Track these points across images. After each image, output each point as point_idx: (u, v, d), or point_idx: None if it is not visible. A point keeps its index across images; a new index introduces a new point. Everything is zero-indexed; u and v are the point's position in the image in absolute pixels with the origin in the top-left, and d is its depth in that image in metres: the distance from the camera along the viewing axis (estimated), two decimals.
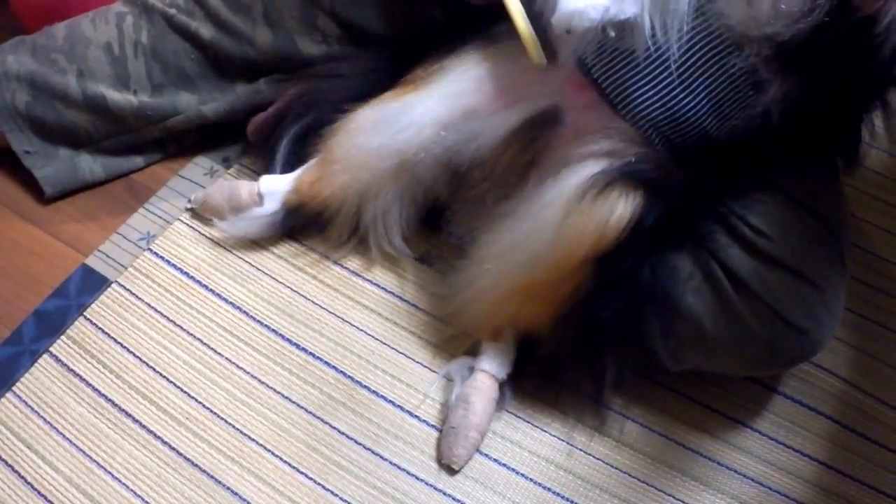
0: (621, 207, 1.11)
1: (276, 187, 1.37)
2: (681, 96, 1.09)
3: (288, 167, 1.40)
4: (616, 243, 1.11)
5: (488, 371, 1.27)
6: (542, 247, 1.15)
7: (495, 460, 1.27)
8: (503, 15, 1.15)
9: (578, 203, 1.12)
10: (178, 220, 1.45)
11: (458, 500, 1.24)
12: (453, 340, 1.36)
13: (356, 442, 1.27)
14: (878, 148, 1.57)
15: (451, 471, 1.26)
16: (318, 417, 1.29)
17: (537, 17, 1.14)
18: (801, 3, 1.00)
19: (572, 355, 1.24)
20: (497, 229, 1.22)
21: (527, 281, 1.18)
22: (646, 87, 1.09)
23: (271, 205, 1.37)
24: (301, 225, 1.42)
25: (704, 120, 1.10)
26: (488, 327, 1.29)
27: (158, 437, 1.26)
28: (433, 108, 1.25)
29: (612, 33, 1.05)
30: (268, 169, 1.42)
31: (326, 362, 1.33)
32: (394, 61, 1.32)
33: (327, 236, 1.41)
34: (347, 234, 1.39)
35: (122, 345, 1.33)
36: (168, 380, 1.30)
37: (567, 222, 1.12)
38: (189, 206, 1.46)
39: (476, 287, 1.25)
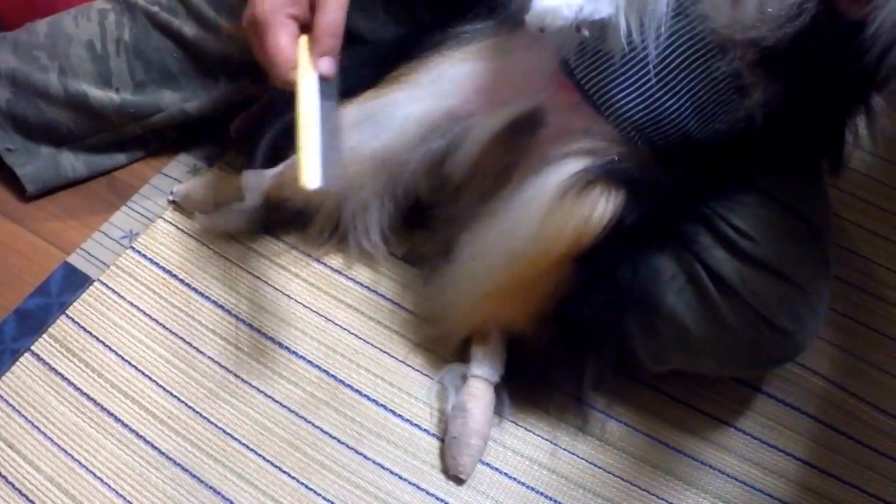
0: (602, 206, 1.10)
1: (257, 182, 1.36)
2: (663, 98, 1.08)
3: (268, 163, 1.39)
4: (596, 242, 1.11)
5: (481, 376, 1.26)
6: (522, 244, 1.14)
7: (479, 460, 1.26)
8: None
9: (560, 201, 1.11)
10: (161, 218, 1.44)
11: (442, 500, 1.23)
12: (438, 340, 1.35)
13: (339, 441, 1.27)
14: (861, 149, 1.57)
15: (459, 481, 1.25)
16: (302, 416, 1.28)
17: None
18: (787, 8, 1.00)
19: (552, 355, 1.23)
20: (478, 229, 1.22)
21: (506, 279, 1.17)
22: (627, 89, 1.09)
23: (253, 199, 1.36)
24: (282, 221, 1.41)
25: (687, 122, 1.09)
26: (471, 329, 1.28)
27: (141, 436, 1.25)
28: (415, 108, 1.24)
29: (587, 33, 1.04)
30: (248, 164, 1.41)
31: (310, 361, 1.33)
32: (377, 60, 1.32)
33: (308, 233, 1.41)
34: (328, 232, 1.39)
35: (104, 343, 1.32)
36: (150, 378, 1.30)
37: (548, 220, 1.11)
38: (171, 198, 1.46)
39: (458, 288, 1.25)
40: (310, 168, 1.04)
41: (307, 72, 1.08)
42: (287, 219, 1.41)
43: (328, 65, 1.09)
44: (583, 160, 1.13)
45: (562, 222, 1.11)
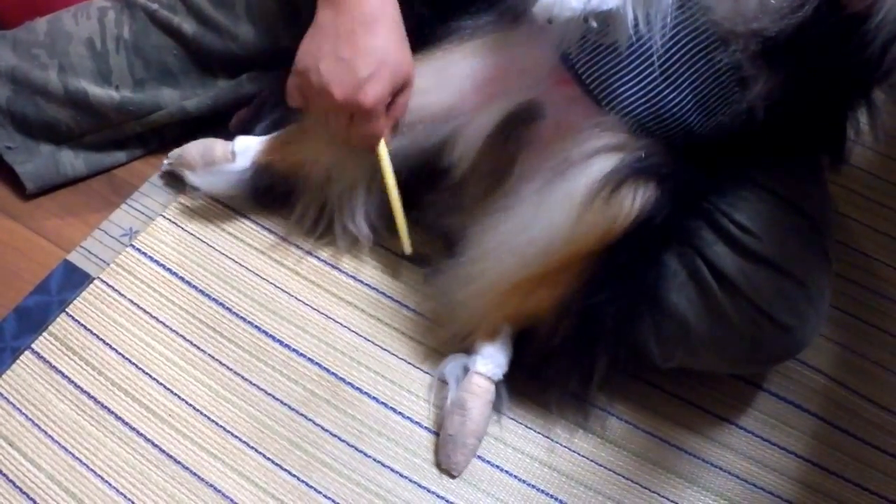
0: (629, 202, 1.11)
1: (249, 145, 1.37)
2: (665, 91, 1.08)
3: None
4: (623, 236, 1.12)
5: (484, 374, 1.25)
6: (552, 241, 1.14)
7: (479, 457, 1.27)
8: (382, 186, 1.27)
9: (592, 203, 1.12)
10: (161, 215, 1.44)
11: (442, 497, 1.23)
12: (438, 337, 1.35)
13: (339, 439, 1.27)
14: (862, 145, 1.57)
15: (451, 476, 1.25)
16: (302, 414, 1.28)
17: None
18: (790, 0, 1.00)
19: (565, 349, 1.23)
20: (492, 226, 1.21)
21: (532, 273, 1.18)
22: (629, 82, 1.09)
23: (242, 162, 1.37)
24: (268, 186, 1.40)
25: (689, 116, 1.09)
26: (487, 325, 1.27)
27: (141, 434, 1.25)
28: (412, 101, 1.25)
29: (594, 24, 1.04)
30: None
31: (309, 359, 1.33)
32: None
33: (294, 211, 1.41)
34: (315, 212, 1.39)
35: (104, 341, 1.32)
36: (150, 376, 1.30)
37: (583, 220, 1.12)
38: (167, 162, 1.46)
39: (475, 285, 1.24)
40: (406, 238, 1.31)
41: (384, 150, 1.27)
42: (273, 185, 1.39)
43: (393, 138, 1.27)
44: (611, 157, 1.13)
45: (596, 222, 1.12)
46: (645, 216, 1.11)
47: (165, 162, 1.47)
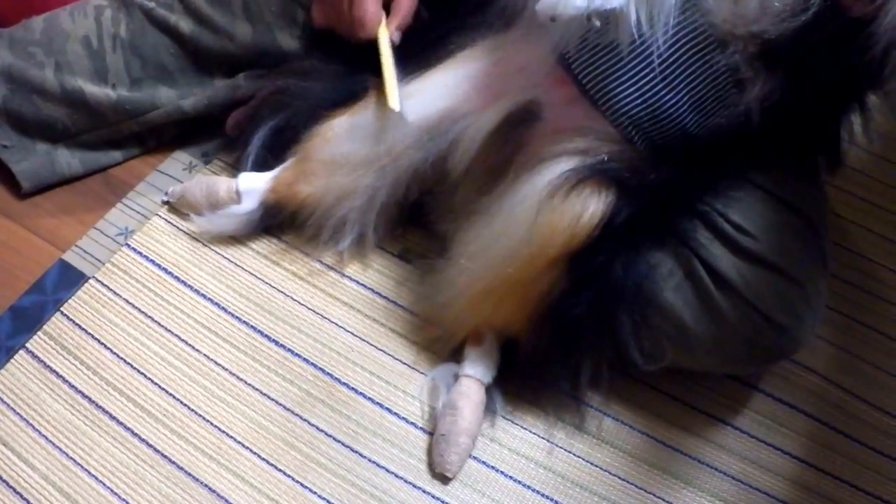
0: (593, 205, 1.10)
1: (254, 185, 1.36)
2: (662, 93, 1.08)
3: (258, 163, 1.39)
4: (588, 241, 1.11)
5: (473, 376, 1.26)
6: (515, 244, 1.14)
7: (475, 458, 1.26)
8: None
9: (550, 200, 1.11)
10: (157, 215, 1.44)
11: (437, 498, 1.23)
12: (433, 338, 1.35)
13: (335, 439, 1.27)
14: (857, 146, 1.57)
15: (446, 479, 1.25)
16: (297, 414, 1.28)
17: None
18: (793, 2, 0.99)
19: (548, 354, 1.23)
20: (474, 227, 1.22)
21: (501, 279, 1.17)
22: (627, 83, 1.09)
23: (249, 203, 1.37)
24: (279, 223, 1.41)
25: (685, 117, 1.09)
26: (467, 328, 1.28)
27: (136, 435, 1.25)
28: (413, 111, 1.24)
29: (597, 23, 1.04)
30: (239, 163, 1.41)
31: (305, 359, 1.33)
32: (375, 59, 1.32)
33: (304, 234, 1.40)
34: (325, 234, 1.38)
35: (99, 341, 1.32)
36: (145, 376, 1.29)
37: (539, 219, 1.12)
38: (166, 199, 1.46)
39: (454, 288, 1.24)
40: (393, 96, 1.25)
41: (384, 32, 1.31)
42: (284, 221, 1.40)
43: (398, 36, 1.31)
44: (574, 159, 1.13)
45: (553, 222, 1.12)
46: (607, 220, 1.11)
47: (164, 197, 1.46)
